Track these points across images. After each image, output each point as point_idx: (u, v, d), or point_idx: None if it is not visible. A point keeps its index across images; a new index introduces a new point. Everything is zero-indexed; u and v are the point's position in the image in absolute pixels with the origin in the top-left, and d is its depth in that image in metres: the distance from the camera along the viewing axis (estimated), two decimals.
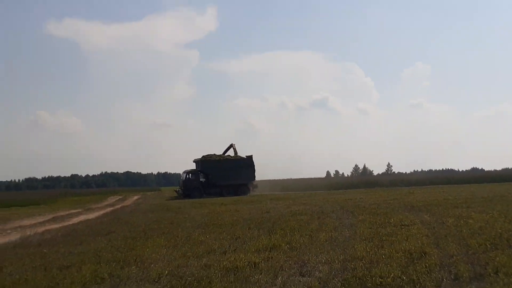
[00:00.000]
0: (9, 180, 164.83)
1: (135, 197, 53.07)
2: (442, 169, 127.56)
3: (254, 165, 48.28)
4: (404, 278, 6.96)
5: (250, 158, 48.48)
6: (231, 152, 49.98)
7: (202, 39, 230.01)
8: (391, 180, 69.24)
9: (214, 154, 49.85)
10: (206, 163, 47.66)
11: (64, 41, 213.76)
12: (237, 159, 49.08)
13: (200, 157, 48.52)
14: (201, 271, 8.17)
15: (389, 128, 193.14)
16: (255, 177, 48.80)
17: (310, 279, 7.32)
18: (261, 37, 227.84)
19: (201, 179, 47.23)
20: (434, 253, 8.78)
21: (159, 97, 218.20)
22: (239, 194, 45.94)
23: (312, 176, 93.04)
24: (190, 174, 47.48)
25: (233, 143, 51.05)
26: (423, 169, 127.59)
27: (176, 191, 49.65)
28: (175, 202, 35.04)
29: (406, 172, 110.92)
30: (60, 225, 20.64)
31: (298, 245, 10.40)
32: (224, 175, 46.12)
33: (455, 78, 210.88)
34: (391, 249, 9.20)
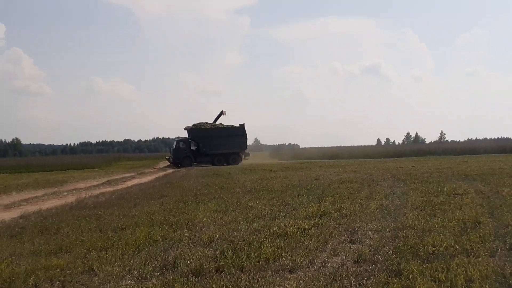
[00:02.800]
0: (64, 144, 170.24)
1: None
2: (498, 137, 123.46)
3: (246, 134, 47.66)
4: (457, 247, 6.83)
5: (242, 126, 47.64)
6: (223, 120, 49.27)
7: (253, 5, 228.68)
8: (444, 149, 67.81)
9: (206, 122, 49.12)
10: (196, 131, 47.17)
11: (119, 8, 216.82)
12: (228, 128, 48.27)
13: (191, 125, 47.96)
14: (252, 235, 8.26)
15: (444, 96, 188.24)
16: (247, 146, 48.30)
17: (361, 246, 7.28)
18: (313, 3, 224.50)
19: (192, 148, 46.77)
20: (488, 222, 8.57)
21: (209, 64, 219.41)
22: (231, 163, 45.58)
23: (363, 144, 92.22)
24: (180, 143, 47.07)
25: (224, 110, 50.30)
26: (478, 138, 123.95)
27: (167, 158, 49.29)
28: (226, 168, 35.37)
29: (459, 141, 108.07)
30: (114, 188, 21.28)
31: (348, 212, 10.35)
32: (215, 143, 45.66)
33: None
34: (444, 218, 9.03)
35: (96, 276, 6.20)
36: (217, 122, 49.81)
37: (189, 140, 47.29)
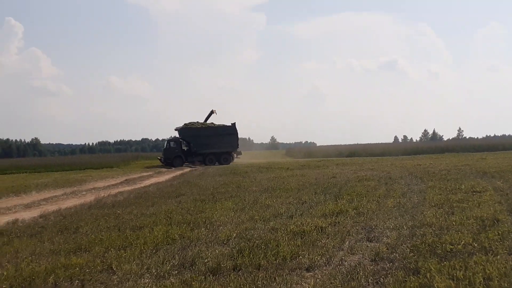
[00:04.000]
0: (83, 143, 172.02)
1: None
2: None
3: (237, 133, 47.15)
4: (476, 245, 6.79)
5: (233, 125, 47.17)
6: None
7: (269, 1, 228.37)
8: (462, 146, 67.18)
9: (197, 121, 48.85)
10: (187, 131, 46.89)
11: (135, 6, 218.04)
12: (219, 127, 47.98)
13: (182, 124, 47.71)
14: (269, 234, 8.28)
15: (461, 91, 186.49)
16: (238, 145, 47.83)
17: (378, 244, 7.27)
18: None
19: (183, 147, 46.64)
20: (507, 220, 8.49)
21: (225, 61, 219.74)
22: (222, 162, 45.38)
23: (380, 142, 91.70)
24: (171, 142, 46.99)
25: (214, 109, 50.02)
26: (496, 134, 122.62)
27: (159, 158, 49.25)
28: (243, 166, 35.41)
29: (478, 137, 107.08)
30: (132, 187, 21.44)
31: (365, 210, 10.32)
32: (206, 143, 45.47)
33: None
34: (462, 216, 8.97)
35: (115, 274, 6.27)
36: (208, 121, 49.53)
37: (180, 139, 47.13)
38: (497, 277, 5.33)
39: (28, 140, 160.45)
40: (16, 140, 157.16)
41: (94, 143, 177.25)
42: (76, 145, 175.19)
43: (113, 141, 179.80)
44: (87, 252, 7.63)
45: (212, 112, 49.81)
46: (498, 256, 6.18)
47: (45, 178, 30.39)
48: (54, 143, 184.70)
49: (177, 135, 48.41)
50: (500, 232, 7.49)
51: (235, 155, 48.71)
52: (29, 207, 15.09)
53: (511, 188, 12.94)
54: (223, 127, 47.89)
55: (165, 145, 48.24)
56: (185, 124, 47.82)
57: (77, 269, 6.50)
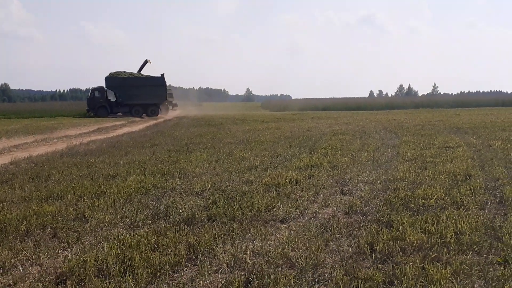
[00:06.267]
0: (54, 90, 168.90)
1: (177, 111, 53.51)
2: (490, 91, 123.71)
3: (165, 84, 46.10)
4: (448, 200, 6.89)
5: (162, 76, 45.73)
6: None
7: None
8: (437, 101, 67.88)
9: (124, 71, 47.27)
10: (113, 80, 45.18)
11: None
12: (147, 78, 46.82)
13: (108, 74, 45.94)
14: (243, 186, 8.28)
15: (438, 48, 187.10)
16: (166, 97, 46.79)
17: (352, 197, 7.33)
18: None
19: (108, 97, 45.29)
20: (479, 176, 8.64)
21: (203, 10, 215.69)
22: (150, 114, 44.53)
23: (355, 96, 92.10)
24: (95, 92, 45.55)
25: (148, 59, 48.87)
26: (471, 91, 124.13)
27: (87, 109, 47.22)
28: (218, 118, 35.25)
29: (452, 94, 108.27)
30: (105, 136, 21.21)
31: (340, 164, 10.38)
32: (132, 94, 44.12)
33: None
34: (435, 171, 9.09)
35: (88, 223, 6.21)
36: (143, 72, 48.26)
37: (105, 89, 45.37)
38: (468, 231, 5.41)
39: None
40: None
41: (66, 90, 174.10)
42: (46, 91, 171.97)
43: (84, 89, 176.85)
44: (60, 200, 7.53)
45: (146, 62, 48.46)
46: (470, 211, 6.28)
47: (15, 125, 29.81)
48: (24, 89, 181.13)
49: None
50: (472, 187, 7.61)
51: (170, 107, 47.48)
52: None
53: (483, 144, 13.16)
54: (151, 78, 46.53)
55: (89, 95, 46.74)
56: (110, 73, 46.05)
57: (50, 217, 6.42)
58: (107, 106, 44.90)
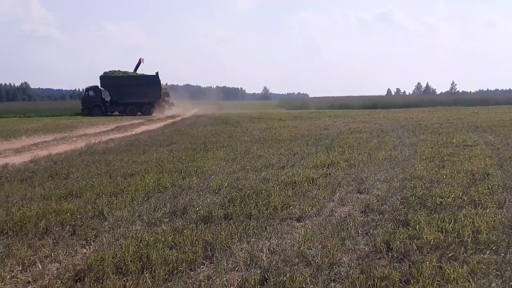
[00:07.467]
0: (73, 89, 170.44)
1: (195, 110, 53.74)
2: (510, 89, 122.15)
3: (160, 83, 46.15)
4: (465, 198, 6.85)
5: (156, 75, 45.91)
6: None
7: None
8: (455, 99, 67.03)
9: (118, 70, 47.43)
10: (107, 80, 45.35)
11: None
12: (141, 76, 46.82)
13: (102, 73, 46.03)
14: (260, 184, 8.30)
15: (456, 45, 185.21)
16: (161, 95, 46.60)
17: (368, 196, 7.31)
18: None
19: (103, 97, 45.61)
20: (497, 174, 8.57)
21: (220, 9, 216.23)
22: (144, 113, 44.44)
23: (373, 94, 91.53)
24: (90, 91, 45.75)
25: (142, 57, 48.87)
26: (489, 89, 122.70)
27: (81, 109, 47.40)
28: (235, 116, 35.30)
29: (471, 92, 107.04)
30: (123, 134, 21.38)
31: (357, 162, 10.36)
32: (126, 92, 44.23)
33: None
34: (453, 170, 9.03)
35: (106, 221, 6.29)
36: (138, 71, 48.36)
37: (100, 88, 45.67)
38: (485, 230, 5.38)
39: (17, 84, 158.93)
40: (5, 84, 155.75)
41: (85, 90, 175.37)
42: (66, 90, 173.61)
43: None
44: (78, 198, 7.62)
45: (140, 61, 48.59)
46: (487, 210, 6.24)
47: (35, 123, 30.17)
48: (44, 88, 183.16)
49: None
50: (489, 186, 7.56)
51: (166, 106, 47.57)
52: (19, 151, 15.03)
53: (502, 142, 13.02)
54: (145, 76, 46.69)
55: (84, 94, 47.02)
56: (105, 72, 46.26)
57: (68, 214, 6.50)
58: (102, 105, 45.25)
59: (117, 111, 45.38)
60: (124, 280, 4.41)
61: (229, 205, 6.84)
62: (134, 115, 43.61)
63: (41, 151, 14.67)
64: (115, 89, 44.92)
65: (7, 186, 8.74)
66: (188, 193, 7.75)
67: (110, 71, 46.78)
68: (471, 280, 4.21)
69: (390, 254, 4.86)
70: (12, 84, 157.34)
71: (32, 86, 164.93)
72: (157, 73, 46.05)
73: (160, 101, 46.70)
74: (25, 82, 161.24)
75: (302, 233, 5.56)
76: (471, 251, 4.86)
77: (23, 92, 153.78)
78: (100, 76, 45.66)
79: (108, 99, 45.82)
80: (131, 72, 47.97)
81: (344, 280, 4.33)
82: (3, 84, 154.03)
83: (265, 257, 4.85)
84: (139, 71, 48.90)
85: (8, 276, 4.55)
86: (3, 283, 4.44)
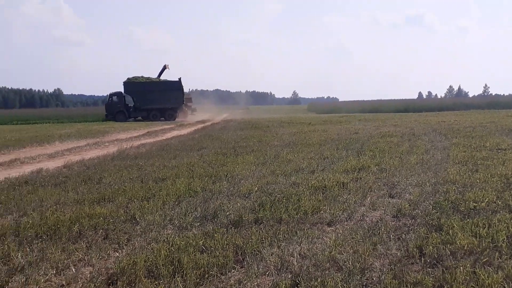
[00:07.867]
0: (105, 95, 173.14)
1: (224, 115, 54.03)
2: None
3: (182, 89, 46.32)
4: (500, 203, 6.72)
5: (178, 81, 46.31)
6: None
7: None
8: (488, 102, 65.77)
9: (142, 76, 47.80)
10: (131, 86, 45.96)
11: None
12: (164, 82, 47.18)
13: (126, 79, 46.57)
14: (290, 188, 8.29)
15: (489, 47, 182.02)
16: (183, 101, 46.76)
17: (400, 200, 7.23)
18: None
19: (126, 102, 45.85)
20: None
21: (249, 13, 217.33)
22: (167, 118, 44.54)
23: (404, 97, 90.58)
24: (113, 97, 46.19)
25: (167, 64, 49.11)
26: None
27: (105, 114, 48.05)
28: (264, 121, 35.33)
29: (504, 94, 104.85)
30: (154, 139, 21.61)
31: (388, 166, 10.26)
32: (150, 98, 44.63)
33: None
34: (486, 174, 8.86)
35: (138, 225, 6.36)
36: (162, 77, 48.75)
37: (123, 94, 46.23)
38: None
39: (50, 90, 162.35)
40: (38, 90, 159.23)
41: None
42: (98, 96, 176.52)
43: None
44: (111, 203, 7.73)
45: (165, 67, 49.02)
46: None
47: (68, 129, 30.76)
48: (76, 94, 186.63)
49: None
50: None
51: (189, 111, 47.83)
52: (52, 157, 15.32)
53: None
54: (168, 82, 47.19)
55: (107, 100, 47.57)
56: (128, 78, 46.86)
57: (101, 218, 6.60)
58: (125, 111, 45.83)
59: (140, 116, 46.00)
60: (156, 284, 4.45)
61: (259, 209, 6.84)
62: (158, 120, 44.02)
63: (74, 156, 14.93)
64: (138, 95, 45.60)
65: (41, 191, 8.92)
66: (218, 198, 7.79)
67: (133, 77, 47.46)
68: (506, 286, 4.13)
69: (422, 259, 4.80)
70: (46, 91, 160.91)
71: (64, 92, 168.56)
72: (179, 78, 46.64)
73: (182, 107, 47.15)
74: (58, 88, 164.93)
75: (333, 237, 5.53)
76: (506, 256, 4.76)
77: (56, 98, 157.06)
78: (123, 82, 46.45)
79: (131, 104, 46.45)
80: (154, 78, 48.54)
81: (376, 286, 4.29)
82: (36, 90, 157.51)
83: (296, 261, 4.84)
84: (163, 77, 49.47)
85: (43, 280, 4.64)
86: (37, 287, 4.53)
